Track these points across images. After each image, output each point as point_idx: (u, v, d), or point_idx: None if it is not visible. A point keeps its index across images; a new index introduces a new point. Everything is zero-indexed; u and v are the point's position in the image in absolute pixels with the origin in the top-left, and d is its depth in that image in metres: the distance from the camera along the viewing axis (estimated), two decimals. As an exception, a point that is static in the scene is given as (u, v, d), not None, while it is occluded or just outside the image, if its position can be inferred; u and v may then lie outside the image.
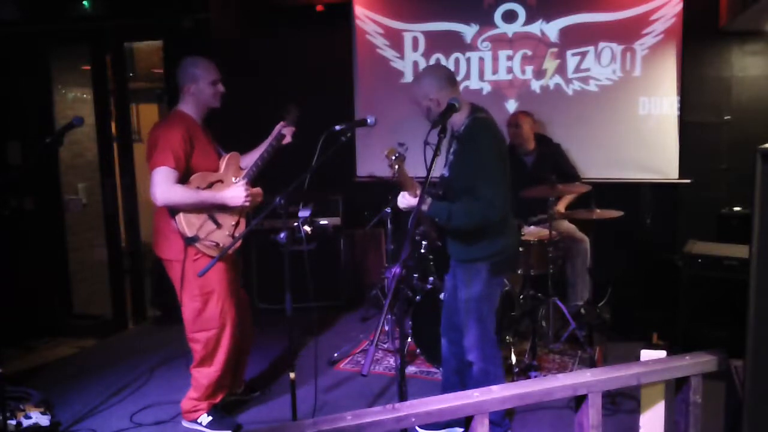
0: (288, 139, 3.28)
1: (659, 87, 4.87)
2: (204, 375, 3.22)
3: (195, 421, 3.27)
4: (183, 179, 3.03)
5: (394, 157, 2.56)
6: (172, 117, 3.13)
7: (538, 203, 4.16)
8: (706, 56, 4.85)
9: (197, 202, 3.03)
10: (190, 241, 3.04)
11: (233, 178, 3.22)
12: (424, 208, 2.69)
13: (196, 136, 3.11)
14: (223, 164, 3.23)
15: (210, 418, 3.26)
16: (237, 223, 3.22)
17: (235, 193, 3.10)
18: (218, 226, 3.13)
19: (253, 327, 3.60)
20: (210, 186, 3.13)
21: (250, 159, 3.31)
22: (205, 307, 3.14)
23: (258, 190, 3.27)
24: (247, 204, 3.13)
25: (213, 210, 3.11)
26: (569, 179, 4.37)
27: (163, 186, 2.93)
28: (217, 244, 3.09)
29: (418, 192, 2.72)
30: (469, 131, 2.75)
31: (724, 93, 4.83)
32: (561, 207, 4.48)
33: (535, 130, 4.72)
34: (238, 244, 3.20)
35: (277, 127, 3.30)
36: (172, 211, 3.03)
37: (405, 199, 2.78)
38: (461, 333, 2.92)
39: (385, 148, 2.60)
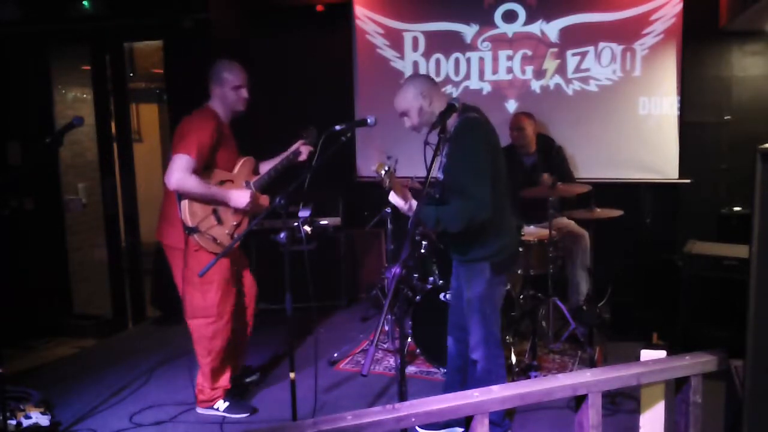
0: (303, 157, 3.41)
1: (659, 87, 4.87)
2: (205, 363, 3.33)
3: (212, 407, 3.38)
4: (202, 171, 3.15)
5: (383, 172, 2.55)
6: (205, 111, 3.24)
7: (539, 203, 4.16)
8: (706, 56, 4.85)
9: (206, 195, 3.12)
10: (189, 231, 3.12)
11: (244, 182, 3.33)
12: (410, 212, 2.69)
13: (222, 134, 3.23)
14: (237, 166, 3.35)
15: (227, 403, 3.38)
16: (239, 224, 3.29)
17: (240, 195, 3.20)
18: (219, 222, 3.20)
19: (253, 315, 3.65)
20: (221, 184, 3.23)
21: (265, 167, 3.45)
22: (205, 296, 3.24)
23: (265, 197, 3.39)
24: (248, 209, 3.24)
25: (218, 206, 3.20)
26: (562, 180, 4.32)
27: (180, 173, 3.01)
28: (215, 239, 3.17)
29: (406, 194, 2.72)
30: (458, 132, 2.74)
31: (724, 93, 4.83)
32: (546, 178, 4.29)
33: (537, 131, 4.70)
34: (237, 244, 3.22)
35: (296, 144, 3.43)
36: (180, 198, 3.12)
37: (393, 198, 2.78)
38: (467, 332, 2.93)
39: (373, 162, 2.61)
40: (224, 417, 3.35)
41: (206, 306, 3.25)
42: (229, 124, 3.34)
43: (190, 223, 3.11)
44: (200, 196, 3.10)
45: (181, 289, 3.30)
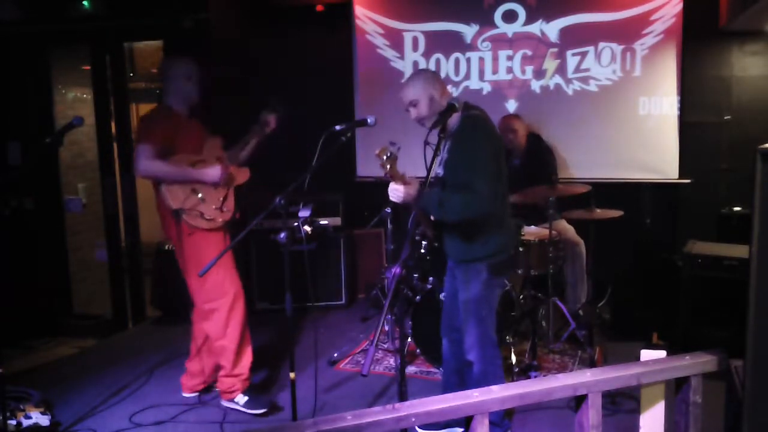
0: (272, 126, 3.46)
1: (659, 87, 4.87)
2: (223, 347, 3.36)
3: (232, 400, 3.41)
4: (169, 159, 3.25)
5: (385, 157, 2.53)
6: (156, 108, 3.43)
7: (538, 204, 4.15)
8: (706, 56, 4.85)
9: (176, 174, 3.22)
10: (176, 214, 3.20)
11: (215, 158, 3.40)
12: (413, 192, 2.63)
13: (178, 124, 3.34)
14: (205, 148, 3.43)
15: (246, 398, 3.40)
16: (225, 197, 3.36)
17: (210, 170, 3.28)
18: (203, 200, 3.28)
19: None
20: (192, 165, 3.31)
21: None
22: (209, 278, 3.26)
23: (245, 170, 3.48)
24: (224, 179, 3.30)
25: (195, 184, 3.27)
26: (545, 180, 4.22)
27: (143, 160, 3.16)
28: (202, 215, 3.25)
29: (407, 180, 2.68)
30: (462, 128, 2.74)
31: (724, 93, 4.84)
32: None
33: (528, 130, 4.67)
34: (237, 238, 3.25)
35: (262, 116, 3.48)
36: (161, 186, 3.23)
37: (392, 189, 2.67)
38: (461, 333, 2.92)
39: (377, 147, 2.58)
40: (243, 412, 3.36)
41: (214, 287, 3.31)
42: (189, 114, 3.42)
43: (174, 206, 3.20)
44: (170, 177, 3.20)
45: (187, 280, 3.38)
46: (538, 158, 4.56)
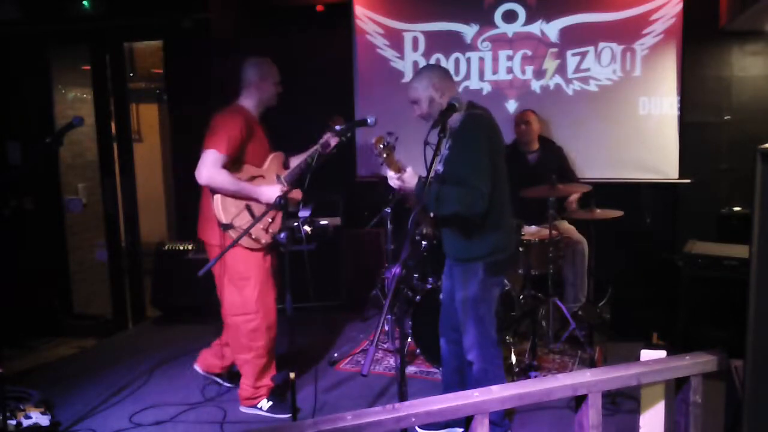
0: (332, 146, 3.35)
1: (659, 87, 4.87)
2: (245, 361, 3.34)
3: (255, 406, 3.39)
4: (232, 166, 3.17)
5: (382, 146, 2.53)
6: (234, 108, 3.29)
7: (540, 203, 4.16)
8: (706, 56, 4.85)
9: (237, 190, 3.13)
10: (224, 228, 3.14)
11: (274, 176, 3.33)
12: (410, 180, 2.64)
13: (253, 129, 3.25)
14: (267, 162, 3.34)
15: (270, 403, 3.39)
16: (273, 219, 3.28)
17: (270, 190, 3.19)
18: (254, 217, 3.18)
19: None
20: (251, 180, 3.23)
21: (295, 162, 3.43)
22: (242, 292, 3.25)
23: (297, 191, 3.36)
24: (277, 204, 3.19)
25: (251, 202, 3.20)
26: (568, 182, 4.41)
27: (210, 168, 3.06)
28: (250, 235, 3.14)
29: (403, 168, 2.67)
30: (463, 126, 2.74)
31: (724, 93, 4.83)
32: (573, 200, 4.43)
33: (540, 130, 4.73)
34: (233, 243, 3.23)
35: (325, 137, 3.35)
36: (214, 195, 3.15)
37: (390, 178, 2.70)
38: (460, 333, 2.92)
39: (374, 136, 2.58)
40: (266, 416, 3.35)
41: (244, 302, 3.26)
42: (259, 121, 3.34)
43: (224, 220, 3.13)
44: (230, 192, 3.12)
45: (219, 288, 3.33)
46: (552, 160, 4.62)
